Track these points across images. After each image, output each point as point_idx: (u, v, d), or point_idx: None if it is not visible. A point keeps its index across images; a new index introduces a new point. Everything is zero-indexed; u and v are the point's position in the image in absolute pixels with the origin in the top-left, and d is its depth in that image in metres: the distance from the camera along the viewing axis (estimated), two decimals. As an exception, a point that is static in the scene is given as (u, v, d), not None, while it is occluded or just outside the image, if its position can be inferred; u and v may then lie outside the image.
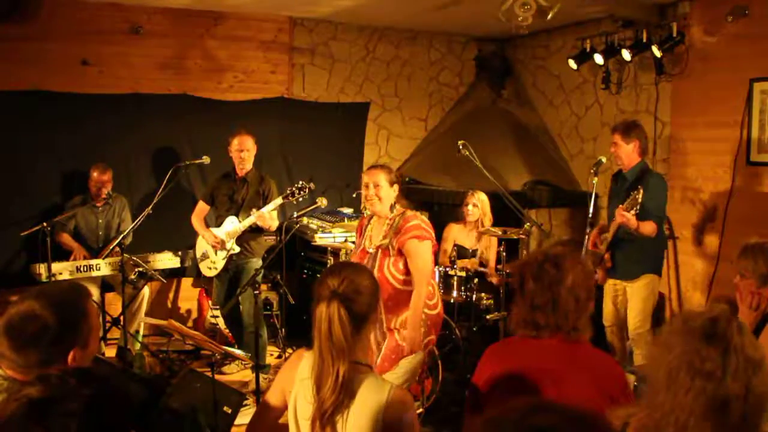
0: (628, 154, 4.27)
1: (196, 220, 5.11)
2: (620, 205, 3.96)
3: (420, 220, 3.37)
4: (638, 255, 4.27)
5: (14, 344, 1.73)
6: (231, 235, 4.90)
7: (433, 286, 3.39)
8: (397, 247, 3.30)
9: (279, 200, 4.74)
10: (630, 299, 4.36)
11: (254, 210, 4.79)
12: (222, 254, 4.95)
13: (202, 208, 5.12)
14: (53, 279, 4.66)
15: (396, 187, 3.46)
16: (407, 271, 3.31)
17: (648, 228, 4.07)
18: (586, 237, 4.27)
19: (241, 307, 4.95)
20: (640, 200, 3.86)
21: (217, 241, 4.93)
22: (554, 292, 2.05)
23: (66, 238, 5.11)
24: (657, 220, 4.13)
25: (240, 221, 4.88)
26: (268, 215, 4.77)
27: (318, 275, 5.73)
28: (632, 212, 3.89)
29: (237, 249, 4.91)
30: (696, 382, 1.48)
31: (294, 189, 4.56)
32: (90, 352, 1.86)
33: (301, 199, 4.64)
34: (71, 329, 1.78)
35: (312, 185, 4.70)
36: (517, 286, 2.14)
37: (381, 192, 3.41)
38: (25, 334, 1.73)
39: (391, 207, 3.46)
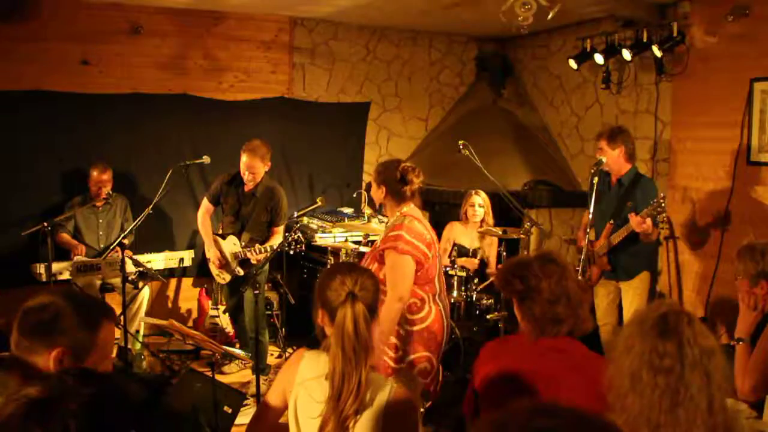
0: (614, 159, 4.31)
1: (203, 225, 4.99)
2: (636, 214, 4.04)
3: (405, 229, 3.05)
4: (637, 255, 4.34)
5: (21, 326, 1.74)
6: (233, 257, 4.84)
7: (422, 299, 3.11)
8: (377, 254, 3.11)
9: (275, 245, 4.61)
10: (626, 296, 4.43)
11: (256, 246, 4.72)
12: (229, 271, 4.93)
13: (207, 207, 5.01)
14: (53, 279, 4.66)
15: (383, 188, 3.19)
16: (385, 282, 3.04)
17: (655, 231, 4.19)
18: (587, 238, 4.27)
19: (245, 308, 4.93)
20: (665, 206, 3.97)
21: (219, 259, 4.85)
22: (564, 286, 2.13)
23: (65, 238, 5.10)
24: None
25: (241, 243, 4.82)
26: (262, 257, 4.68)
27: (318, 275, 5.72)
28: (659, 218, 4.00)
29: (242, 272, 4.86)
30: (659, 379, 1.53)
31: (291, 240, 4.21)
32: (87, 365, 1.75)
33: (294, 251, 4.33)
34: (64, 326, 1.73)
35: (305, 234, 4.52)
36: (522, 289, 2.16)
37: (371, 192, 3.34)
38: (35, 319, 1.74)
39: (391, 207, 3.24)
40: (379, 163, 3.41)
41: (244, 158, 4.74)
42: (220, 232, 5.03)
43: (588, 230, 4.28)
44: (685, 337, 1.55)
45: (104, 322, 1.78)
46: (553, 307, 2.12)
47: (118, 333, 5.12)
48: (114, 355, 4.94)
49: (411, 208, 3.22)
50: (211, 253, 4.90)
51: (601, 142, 4.34)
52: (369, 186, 6.54)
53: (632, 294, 4.39)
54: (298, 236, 4.17)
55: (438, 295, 3.25)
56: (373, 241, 5.34)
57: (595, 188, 4.21)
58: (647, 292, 4.46)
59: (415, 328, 3.11)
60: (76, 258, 4.97)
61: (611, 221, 4.32)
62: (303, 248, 4.29)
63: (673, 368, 1.53)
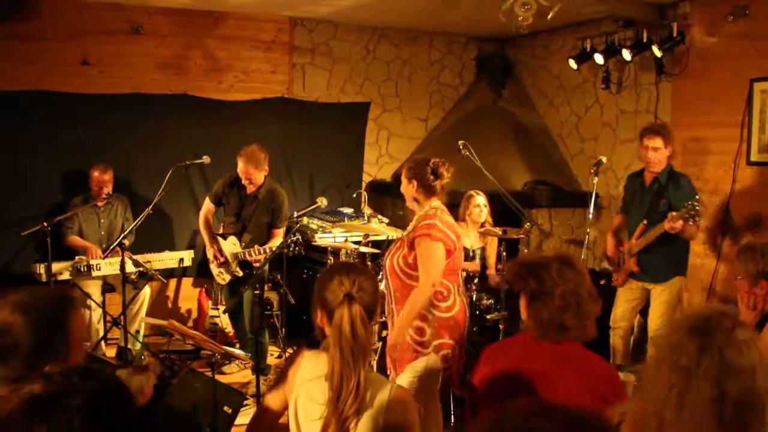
0: (664, 157, 4.18)
1: (204, 227, 4.98)
2: (674, 213, 3.87)
3: (438, 219, 3.24)
4: (672, 257, 4.19)
5: None
6: (233, 258, 4.84)
7: (448, 289, 3.25)
8: (408, 241, 3.25)
9: (274, 246, 4.60)
10: (655, 300, 4.26)
11: (256, 247, 4.71)
12: (228, 272, 4.93)
13: (209, 208, 5.01)
14: (53, 279, 4.65)
15: (414, 182, 3.33)
16: (414, 266, 3.21)
17: (695, 230, 4.03)
18: (587, 237, 4.27)
19: (244, 309, 4.92)
20: (700, 210, 3.81)
21: (218, 258, 4.85)
22: (578, 295, 2.08)
23: (76, 240, 5.10)
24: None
25: (241, 244, 4.81)
26: (262, 258, 4.66)
27: (318, 276, 5.70)
28: (694, 221, 3.81)
29: (241, 273, 4.85)
30: (672, 375, 1.45)
31: (290, 242, 4.15)
32: (70, 362, 1.70)
33: (292, 254, 4.30)
34: (46, 347, 1.67)
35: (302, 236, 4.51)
36: (535, 288, 2.11)
37: (402, 188, 3.44)
38: None
39: (421, 202, 3.36)
40: (408, 160, 3.52)
41: (239, 164, 4.74)
42: (221, 231, 5.03)
43: (588, 230, 4.27)
44: (711, 343, 1.44)
45: (69, 317, 1.72)
46: (562, 314, 2.07)
47: (118, 333, 5.13)
48: (114, 354, 4.95)
49: (439, 204, 3.35)
50: (210, 254, 4.90)
51: (657, 140, 4.13)
52: (369, 185, 6.58)
53: (663, 298, 4.20)
54: (297, 238, 4.17)
55: (459, 288, 3.33)
56: (373, 242, 5.36)
57: (595, 188, 4.20)
58: (677, 299, 4.25)
59: (443, 315, 3.21)
60: (76, 258, 4.97)
61: (644, 221, 4.17)
62: (302, 251, 4.28)
63: (687, 369, 1.44)
